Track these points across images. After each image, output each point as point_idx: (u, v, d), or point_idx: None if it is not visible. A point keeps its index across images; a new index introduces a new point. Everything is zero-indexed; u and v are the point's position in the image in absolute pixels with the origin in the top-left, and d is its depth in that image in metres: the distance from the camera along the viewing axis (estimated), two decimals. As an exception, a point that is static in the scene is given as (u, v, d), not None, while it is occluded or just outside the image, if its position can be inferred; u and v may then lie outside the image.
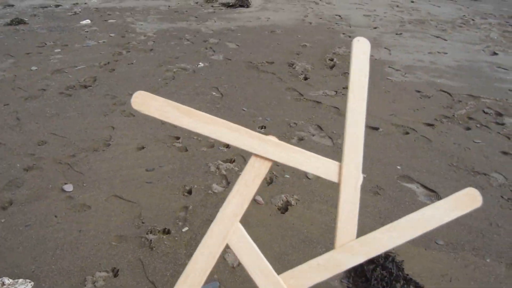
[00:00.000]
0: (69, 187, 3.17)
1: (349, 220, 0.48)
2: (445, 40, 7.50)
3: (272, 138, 0.53)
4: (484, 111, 4.67)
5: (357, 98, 0.48)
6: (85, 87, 5.10)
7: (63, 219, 2.86)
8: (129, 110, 4.47)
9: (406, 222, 0.48)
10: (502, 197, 3.23)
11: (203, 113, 0.52)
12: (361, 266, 2.50)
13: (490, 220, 2.98)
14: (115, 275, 2.43)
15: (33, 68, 5.67)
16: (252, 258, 0.44)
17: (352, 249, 0.46)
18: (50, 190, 3.15)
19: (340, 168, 0.50)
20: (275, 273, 0.42)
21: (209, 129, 0.53)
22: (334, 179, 0.51)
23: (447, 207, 0.44)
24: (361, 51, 0.59)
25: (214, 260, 0.46)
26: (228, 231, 0.49)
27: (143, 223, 2.84)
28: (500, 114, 4.60)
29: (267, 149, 0.50)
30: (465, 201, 0.42)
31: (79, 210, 2.97)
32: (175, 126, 4.16)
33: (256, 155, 0.53)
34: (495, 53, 6.76)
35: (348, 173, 0.48)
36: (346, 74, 5.74)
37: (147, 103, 0.59)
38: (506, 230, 2.89)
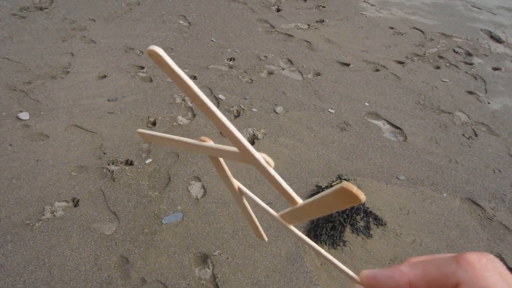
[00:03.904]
0: (25, 115, 3.00)
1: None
2: (423, -24, 7.30)
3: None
4: (454, 50, 4.66)
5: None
6: (41, 9, 4.70)
7: (19, 148, 2.73)
8: (89, 36, 4.19)
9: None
10: (463, 135, 3.30)
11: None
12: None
13: (450, 157, 3.06)
14: (75, 205, 2.38)
15: (-19, -15, 5.15)
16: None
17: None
18: (4, 118, 2.97)
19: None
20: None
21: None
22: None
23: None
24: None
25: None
26: None
27: (104, 154, 2.75)
28: (469, 54, 4.61)
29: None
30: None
31: (36, 139, 2.83)
32: (139, 55, 3.95)
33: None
34: (471, -8, 6.65)
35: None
36: (320, 7, 5.53)
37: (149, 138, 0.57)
38: (464, 166, 2.99)
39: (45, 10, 4.69)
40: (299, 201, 0.45)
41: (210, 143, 0.52)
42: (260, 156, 0.44)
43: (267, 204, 2.41)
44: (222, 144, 0.50)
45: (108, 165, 2.67)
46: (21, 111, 3.05)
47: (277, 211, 0.54)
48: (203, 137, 0.53)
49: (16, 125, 2.93)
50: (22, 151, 2.71)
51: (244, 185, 2.60)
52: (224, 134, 0.43)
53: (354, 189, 0.34)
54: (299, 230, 0.54)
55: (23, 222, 2.24)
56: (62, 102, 3.20)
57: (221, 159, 0.55)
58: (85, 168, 2.64)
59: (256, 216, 0.66)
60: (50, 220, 2.27)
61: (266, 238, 0.70)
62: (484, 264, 0.34)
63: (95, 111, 3.14)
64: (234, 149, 0.48)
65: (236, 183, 0.60)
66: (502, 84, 4.11)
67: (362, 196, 0.34)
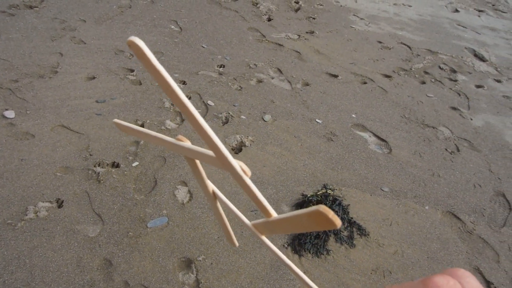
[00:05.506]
0: (10, 114, 2.96)
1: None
2: (411, -7, 7.46)
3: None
4: (440, 67, 4.77)
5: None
6: (31, 7, 4.67)
7: (3, 147, 2.69)
8: (79, 37, 4.17)
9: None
10: (446, 149, 3.38)
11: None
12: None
13: (433, 171, 3.12)
14: (60, 206, 2.36)
15: (-30, -19, 5.08)
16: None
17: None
18: (-11, 116, 2.93)
19: None
20: None
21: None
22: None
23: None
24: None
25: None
26: None
27: (91, 155, 2.73)
28: (454, 71, 4.72)
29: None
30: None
31: (21, 138, 2.80)
32: (129, 58, 3.95)
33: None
34: (457, 10, 6.83)
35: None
36: (310, 18, 5.61)
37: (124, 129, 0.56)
38: (446, 180, 3.05)
39: (35, 8, 4.65)
40: (274, 214, 0.45)
41: (187, 143, 0.51)
42: (236, 163, 0.43)
43: (252, 211, 2.41)
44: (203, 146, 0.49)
45: (94, 166, 2.65)
46: (6, 109, 3.01)
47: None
48: (180, 136, 0.52)
49: (1, 123, 2.89)
50: (6, 150, 2.68)
51: (232, 190, 2.60)
52: (200, 136, 0.40)
53: (331, 213, 0.33)
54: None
55: (4, 222, 2.20)
56: (50, 102, 3.17)
57: (197, 161, 0.54)
58: (70, 169, 2.61)
59: (231, 221, 0.65)
60: (33, 220, 2.24)
61: (237, 244, 0.69)
62: (452, 286, 0.34)
63: (83, 112, 3.12)
64: (211, 152, 0.46)
65: (211, 186, 0.59)
66: (484, 101, 4.23)
67: (338, 222, 0.33)
